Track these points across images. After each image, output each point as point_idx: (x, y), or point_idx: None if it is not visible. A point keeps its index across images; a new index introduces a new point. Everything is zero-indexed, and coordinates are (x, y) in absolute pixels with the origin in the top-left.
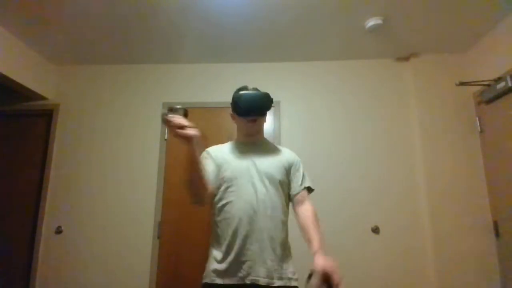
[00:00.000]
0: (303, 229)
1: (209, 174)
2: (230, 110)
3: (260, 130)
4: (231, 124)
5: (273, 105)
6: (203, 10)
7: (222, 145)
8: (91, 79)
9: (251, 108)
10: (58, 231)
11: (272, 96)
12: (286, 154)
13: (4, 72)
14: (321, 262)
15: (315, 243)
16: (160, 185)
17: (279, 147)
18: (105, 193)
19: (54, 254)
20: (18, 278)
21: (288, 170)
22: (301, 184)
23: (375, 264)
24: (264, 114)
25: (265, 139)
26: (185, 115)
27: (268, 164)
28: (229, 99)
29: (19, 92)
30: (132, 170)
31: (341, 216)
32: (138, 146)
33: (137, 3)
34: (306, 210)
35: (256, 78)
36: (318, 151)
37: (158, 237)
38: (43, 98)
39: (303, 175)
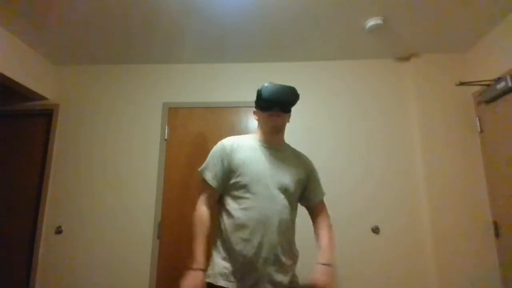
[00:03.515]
0: (317, 239)
1: (216, 183)
2: (232, 109)
3: (282, 128)
4: (231, 123)
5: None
6: (204, 10)
7: (243, 139)
8: (91, 79)
9: (274, 101)
10: (58, 231)
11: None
12: (305, 165)
13: (4, 72)
14: (316, 275)
15: (323, 256)
16: (160, 185)
17: (299, 153)
18: (105, 193)
19: (54, 254)
20: (18, 278)
21: (304, 181)
22: (320, 195)
23: (375, 264)
24: (288, 110)
25: (286, 144)
26: None
27: (287, 174)
28: (229, 99)
29: (19, 92)
30: (132, 170)
31: (341, 216)
32: (138, 146)
33: (138, 3)
34: (322, 221)
35: (256, 78)
36: (317, 151)
37: (158, 237)
38: (43, 98)
39: (320, 185)
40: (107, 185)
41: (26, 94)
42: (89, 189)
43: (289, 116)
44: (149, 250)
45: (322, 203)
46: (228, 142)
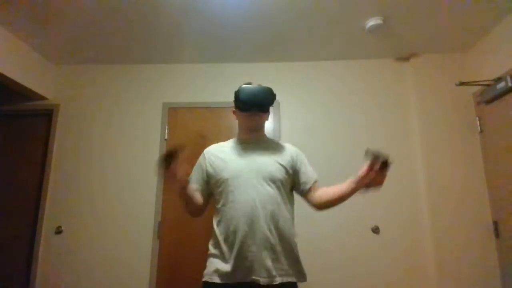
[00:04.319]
0: (333, 194)
1: (198, 187)
2: (232, 109)
3: (261, 127)
4: (231, 124)
5: (273, 105)
6: (204, 10)
7: (223, 143)
8: (91, 79)
9: (251, 102)
10: (58, 231)
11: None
12: (288, 151)
13: (4, 72)
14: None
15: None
16: (160, 185)
17: (281, 143)
18: (105, 193)
19: (54, 254)
20: (18, 278)
21: (291, 168)
22: (313, 175)
23: (375, 264)
24: (265, 110)
25: (267, 137)
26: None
27: (269, 163)
28: (229, 99)
29: (19, 92)
30: (132, 170)
31: (341, 216)
32: (138, 146)
33: (138, 3)
34: (324, 189)
35: (256, 78)
36: (317, 151)
37: (158, 237)
38: (43, 98)
39: (310, 167)
40: (107, 185)
41: (26, 94)
42: (89, 189)
43: (268, 115)
44: (149, 250)
45: (317, 183)
46: (207, 148)
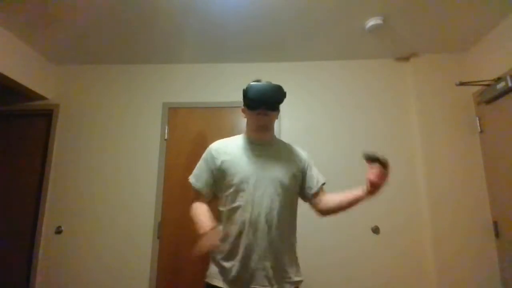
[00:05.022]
0: (340, 202)
1: (206, 190)
2: (232, 109)
3: (270, 126)
4: (232, 123)
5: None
6: (204, 10)
7: (230, 140)
8: (91, 79)
9: (260, 100)
10: (58, 231)
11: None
12: (298, 156)
13: (4, 72)
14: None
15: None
16: (160, 185)
17: (291, 146)
18: (105, 193)
19: (54, 254)
20: (18, 278)
21: (298, 174)
22: (317, 183)
23: (375, 264)
24: (275, 109)
25: (276, 138)
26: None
27: (279, 169)
28: (229, 99)
29: (19, 92)
30: (132, 170)
31: (341, 216)
32: (138, 146)
33: (138, 3)
34: (330, 195)
35: (256, 78)
36: (317, 151)
37: (158, 237)
38: (43, 98)
39: (318, 172)
40: (107, 185)
41: (26, 94)
42: (89, 189)
43: (278, 114)
44: (149, 250)
45: (323, 188)
46: (214, 145)
